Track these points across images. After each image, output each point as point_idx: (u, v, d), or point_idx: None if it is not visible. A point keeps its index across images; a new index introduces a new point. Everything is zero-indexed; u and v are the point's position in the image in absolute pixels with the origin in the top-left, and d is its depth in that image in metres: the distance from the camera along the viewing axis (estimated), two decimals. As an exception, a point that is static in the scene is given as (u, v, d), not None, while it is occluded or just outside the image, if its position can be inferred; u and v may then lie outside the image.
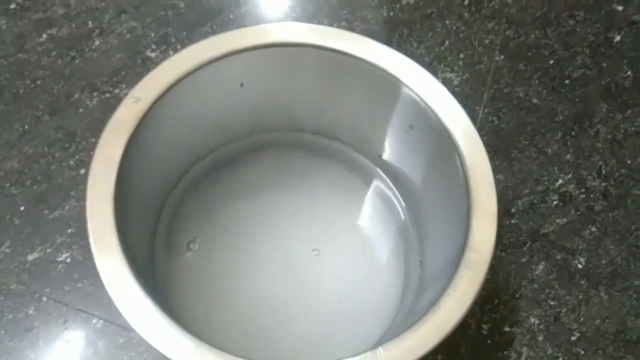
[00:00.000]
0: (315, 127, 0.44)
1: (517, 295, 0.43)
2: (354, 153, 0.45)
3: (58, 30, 0.52)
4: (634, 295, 0.43)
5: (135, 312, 0.28)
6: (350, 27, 0.54)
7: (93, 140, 0.47)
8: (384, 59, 0.37)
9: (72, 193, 0.44)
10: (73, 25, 0.53)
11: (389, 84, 0.37)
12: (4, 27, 0.52)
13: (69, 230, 0.43)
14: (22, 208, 0.44)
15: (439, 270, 0.35)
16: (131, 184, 0.33)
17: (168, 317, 0.28)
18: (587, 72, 0.54)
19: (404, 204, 0.43)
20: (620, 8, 0.58)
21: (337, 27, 0.54)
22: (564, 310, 0.42)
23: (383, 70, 0.36)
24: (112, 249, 0.29)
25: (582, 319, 0.42)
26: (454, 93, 0.36)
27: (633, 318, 0.42)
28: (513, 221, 0.45)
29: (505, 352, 0.41)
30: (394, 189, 0.43)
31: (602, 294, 0.43)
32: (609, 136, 0.50)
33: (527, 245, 0.44)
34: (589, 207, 0.46)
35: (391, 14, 0.56)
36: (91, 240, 0.30)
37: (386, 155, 0.43)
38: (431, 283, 0.36)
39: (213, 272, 0.39)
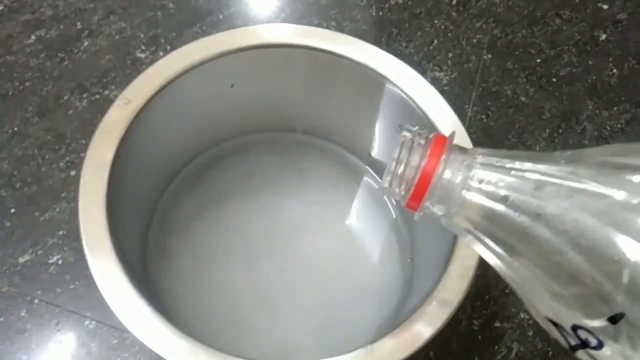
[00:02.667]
0: (305, 127, 0.45)
1: (507, 291, 0.43)
2: (345, 152, 0.45)
3: (47, 31, 0.52)
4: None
5: (129, 313, 0.28)
6: (339, 27, 0.55)
7: (83, 141, 0.47)
8: (372, 59, 0.37)
9: (63, 195, 0.44)
10: (62, 27, 0.52)
11: (378, 84, 0.37)
12: (-9, 28, 0.52)
13: (60, 232, 0.43)
14: (13, 210, 0.43)
15: (429, 267, 0.35)
16: (123, 185, 0.33)
17: (162, 317, 0.28)
18: (574, 70, 0.54)
19: (394, 202, 0.43)
20: (605, 7, 0.59)
21: (327, 27, 0.54)
22: (553, 305, 0.43)
23: (372, 70, 0.37)
24: (104, 250, 0.29)
25: (570, 314, 0.43)
26: (442, 92, 0.36)
27: (620, 312, 0.43)
28: (502, 218, 0.45)
29: (496, 347, 0.41)
30: (385, 187, 0.44)
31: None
32: (596, 133, 0.51)
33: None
34: (577, 204, 0.47)
35: (380, 14, 0.56)
36: (84, 241, 0.30)
37: (376, 153, 0.43)
38: (422, 280, 0.36)
39: (206, 272, 0.39)
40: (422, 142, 0.23)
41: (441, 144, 0.22)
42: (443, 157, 0.22)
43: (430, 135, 0.23)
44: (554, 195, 0.20)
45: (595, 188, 0.20)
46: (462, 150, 0.23)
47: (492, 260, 0.23)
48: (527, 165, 0.21)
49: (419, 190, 0.22)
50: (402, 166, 0.23)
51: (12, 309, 0.40)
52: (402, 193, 0.23)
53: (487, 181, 0.21)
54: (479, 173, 0.22)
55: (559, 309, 0.21)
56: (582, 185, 0.20)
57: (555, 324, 0.22)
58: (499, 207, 0.21)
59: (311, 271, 0.40)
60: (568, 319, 0.21)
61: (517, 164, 0.21)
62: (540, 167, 0.21)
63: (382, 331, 0.29)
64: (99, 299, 0.28)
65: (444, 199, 0.22)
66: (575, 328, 0.21)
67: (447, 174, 0.22)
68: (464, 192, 0.22)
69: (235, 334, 0.37)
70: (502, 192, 0.21)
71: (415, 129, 0.24)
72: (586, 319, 0.20)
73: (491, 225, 0.22)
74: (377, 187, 0.44)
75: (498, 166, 0.21)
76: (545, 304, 0.22)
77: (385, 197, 0.43)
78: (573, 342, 0.21)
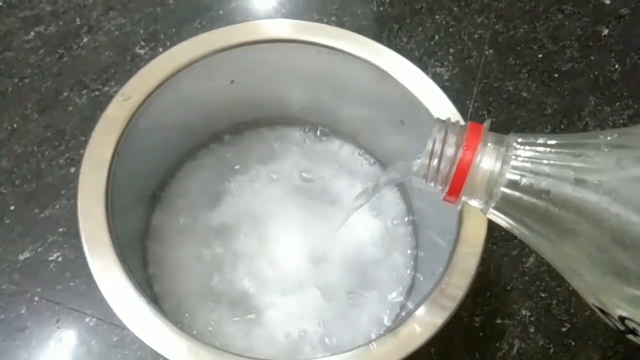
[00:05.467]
0: (306, 122, 0.45)
1: (508, 288, 0.43)
2: (346, 147, 0.45)
3: (46, 27, 0.52)
4: (623, 286, 0.44)
5: (129, 311, 0.28)
6: (340, 23, 0.54)
7: (83, 138, 0.46)
8: (373, 55, 0.37)
9: (63, 192, 0.44)
10: (61, 23, 0.52)
11: (379, 79, 0.37)
12: (-10, 25, 0.51)
13: (60, 229, 0.43)
14: (12, 207, 0.43)
15: (432, 264, 0.35)
16: (122, 182, 0.33)
17: (162, 316, 0.28)
18: (576, 65, 0.54)
19: (398, 199, 0.43)
20: (607, 2, 0.58)
21: (327, 22, 0.54)
22: (555, 301, 0.43)
23: (373, 65, 0.37)
24: (103, 247, 0.29)
25: (572, 310, 0.43)
26: (444, 87, 0.36)
27: (622, 308, 0.43)
28: (504, 214, 0.45)
29: (498, 343, 0.41)
30: (387, 183, 0.43)
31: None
32: (598, 129, 0.51)
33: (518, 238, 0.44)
34: (579, 200, 0.47)
35: (381, 9, 0.56)
36: (83, 239, 0.29)
37: (379, 150, 0.43)
38: (425, 277, 0.36)
39: (207, 269, 0.39)
40: (456, 132, 0.22)
41: (476, 133, 0.21)
42: (479, 147, 0.21)
43: (464, 124, 0.22)
44: (596, 188, 0.19)
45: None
46: (498, 139, 0.21)
47: (534, 247, 0.22)
48: (568, 156, 0.20)
49: (456, 183, 0.21)
50: (437, 159, 0.22)
51: (12, 307, 0.40)
52: (440, 187, 0.22)
53: (526, 174, 0.20)
54: (516, 165, 0.21)
55: (605, 299, 0.21)
56: (626, 178, 0.19)
57: (602, 312, 0.21)
58: (539, 202, 0.20)
59: (313, 266, 0.40)
60: (615, 309, 0.20)
61: (556, 155, 0.20)
62: (581, 157, 0.20)
63: (384, 327, 0.29)
64: (99, 297, 0.28)
65: (481, 191, 0.21)
66: (622, 319, 0.20)
67: (484, 165, 0.21)
68: (501, 186, 0.21)
69: (235, 330, 0.37)
70: (542, 186, 0.20)
71: (447, 118, 0.23)
72: (633, 314, 0.20)
73: (531, 218, 0.21)
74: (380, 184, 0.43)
75: (536, 157, 0.20)
76: (590, 293, 0.21)
77: (388, 193, 0.43)
78: (622, 328, 0.21)
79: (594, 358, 0.41)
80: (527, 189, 0.20)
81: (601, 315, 0.22)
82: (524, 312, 0.42)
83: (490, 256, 0.44)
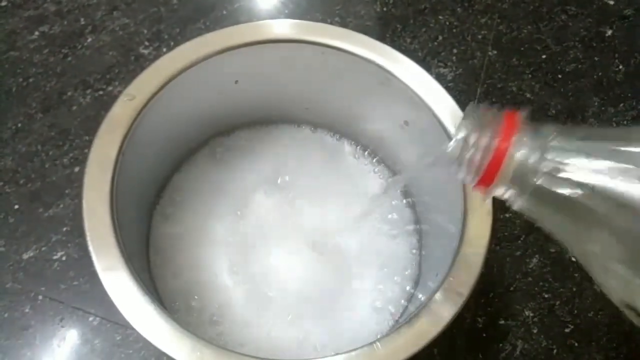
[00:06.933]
0: (310, 123, 0.45)
1: (511, 289, 0.43)
2: (350, 147, 0.45)
3: (50, 27, 0.52)
4: (627, 287, 0.44)
5: (133, 309, 0.28)
6: (343, 23, 0.54)
7: (87, 138, 0.46)
8: (377, 55, 0.37)
9: (67, 191, 0.44)
10: (65, 23, 0.52)
11: (383, 80, 0.37)
12: (-5, 24, 0.52)
13: (64, 229, 0.43)
14: (17, 207, 0.43)
15: (436, 265, 0.35)
16: (127, 181, 0.33)
17: (165, 315, 0.28)
18: (580, 66, 0.54)
19: (401, 200, 0.43)
20: (611, 2, 0.58)
21: (331, 22, 0.54)
22: (558, 302, 0.43)
23: (377, 65, 0.37)
24: (108, 246, 0.29)
25: (576, 311, 0.42)
26: (447, 88, 0.36)
27: (626, 310, 0.43)
28: (507, 215, 0.45)
29: (501, 344, 0.41)
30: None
31: (596, 286, 0.43)
32: (601, 130, 0.51)
33: (522, 238, 0.44)
34: (582, 201, 0.47)
35: (384, 9, 0.56)
36: (88, 238, 0.30)
37: (382, 150, 0.43)
38: (429, 277, 0.36)
39: (210, 267, 0.39)
40: (492, 121, 0.21)
41: (513, 123, 0.21)
42: (515, 137, 0.20)
43: (500, 112, 0.21)
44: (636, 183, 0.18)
45: None
46: (535, 129, 0.21)
47: (562, 241, 0.22)
48: (608, 148, 0.19)
49: (490, 173, 0.21)
50: (471, 148, 0.21)
51: (16, 305, 0.40)
52: (472, 176, 0.21)
53: (563, 167, 0.20)
54: (554, 157, 0.20)
55: (637, 297, 0.20)
56: None
57: (632, 310, 0.21)
58: (573, 197, 0.19)
59: (317, 266, 0.40)
60: None
61: (596, 148, 0.19)
62: (622, 152, 0.19)
63: (388, 328, 0.29)
64: (102, 296, 0.28)
65: (515, 182, 0.20)
66: None
67: (519, 156, 0.20)
68: (536, 177, 0.20)
69: (238, 328, 0.37)
70: (580, 180, 0.19)
71: (482, 105, 0.22)
72: None
73: (563, 213, 0.20)
74: (381, 180, 0.43)
75: (575, 150, 0.20)
76: (621, 292, 0.21)
77: (392, 190, 0.43)
78: None
79: (597, 359, 0.41)
80: (562, 183, 0.19)
81: (632, 314, 0.21)
82: (527, 313, 0.42)
83: (494, 257, 0.44)
